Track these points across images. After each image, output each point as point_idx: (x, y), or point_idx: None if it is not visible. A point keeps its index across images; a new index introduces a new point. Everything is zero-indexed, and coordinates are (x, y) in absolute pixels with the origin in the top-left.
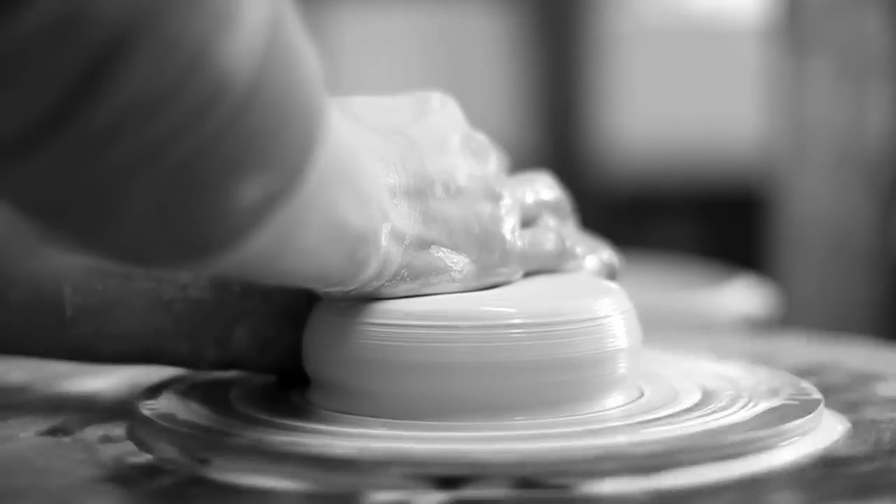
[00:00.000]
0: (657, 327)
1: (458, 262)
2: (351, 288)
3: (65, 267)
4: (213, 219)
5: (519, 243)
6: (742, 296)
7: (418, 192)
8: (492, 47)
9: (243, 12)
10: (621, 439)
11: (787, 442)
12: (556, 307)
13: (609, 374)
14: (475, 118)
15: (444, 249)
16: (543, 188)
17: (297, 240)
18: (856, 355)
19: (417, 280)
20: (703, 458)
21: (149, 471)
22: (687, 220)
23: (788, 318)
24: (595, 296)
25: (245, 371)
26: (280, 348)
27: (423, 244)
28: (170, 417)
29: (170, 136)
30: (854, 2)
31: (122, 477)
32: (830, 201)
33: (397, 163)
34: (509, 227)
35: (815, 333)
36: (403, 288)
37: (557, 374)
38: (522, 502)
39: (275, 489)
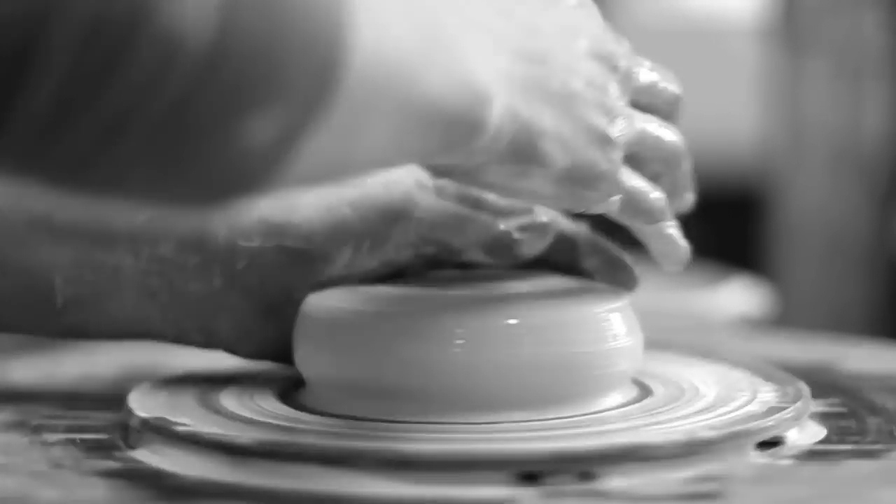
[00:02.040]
0: (653, 327)
1: (560, 161)
2: (453, 162)
3: (55, 257)
4: (228, 161)
5: (622, 174)
6: (739, 295)
7: (535, 81)
8: None
9: None
10: (622, 437)
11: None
12: (556, 308)
13: (609, 373)
14: None
15: (552, 142)
16: (666, 134)
17: (364, 137)
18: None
19: (519, 165)
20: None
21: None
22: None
23: (785, 318)
24: (596, 297)
25: (231, 355)
26: (261, 340)
27: (532, 133)
28: (160, 418)
29: (133, 103)
30: (851, 1)
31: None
32: (827, 200)
33: (514, 46)
34: (616, 155)
35: (812, 332)
36: (504, 171)
37: (557, 374)
38: (520, 498)
39: (273, 489)
